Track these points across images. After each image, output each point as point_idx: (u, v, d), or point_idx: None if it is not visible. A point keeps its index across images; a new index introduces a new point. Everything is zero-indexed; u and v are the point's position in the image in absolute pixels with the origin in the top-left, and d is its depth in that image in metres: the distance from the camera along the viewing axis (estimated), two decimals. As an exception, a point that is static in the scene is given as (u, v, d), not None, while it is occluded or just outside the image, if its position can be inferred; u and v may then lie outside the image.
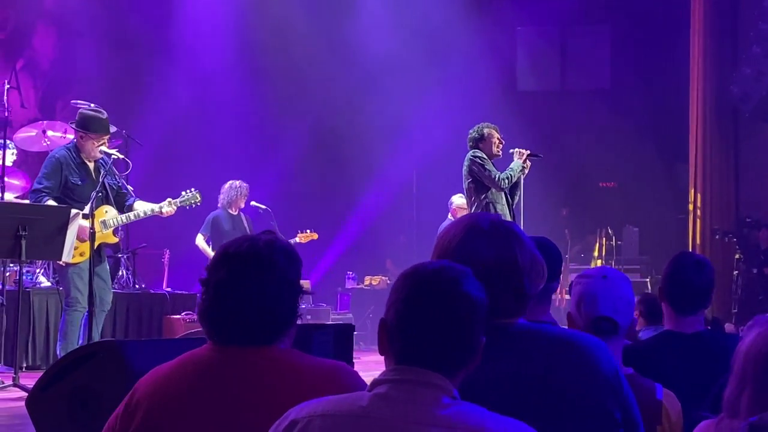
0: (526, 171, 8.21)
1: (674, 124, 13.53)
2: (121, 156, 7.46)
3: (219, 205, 10.21)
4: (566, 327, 3.97)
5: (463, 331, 1.82)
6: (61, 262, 7.18)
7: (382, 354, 1.88)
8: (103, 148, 7.32)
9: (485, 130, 8.22)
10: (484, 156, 8.06)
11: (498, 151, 8.23)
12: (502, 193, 8.07)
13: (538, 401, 2.03)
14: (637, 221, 13.72)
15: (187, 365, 2.27)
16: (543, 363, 2.08)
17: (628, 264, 12.84)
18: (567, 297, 11.33)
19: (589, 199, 14.52)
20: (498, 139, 8.22)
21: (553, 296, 5.28)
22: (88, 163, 7.39)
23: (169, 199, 7.64)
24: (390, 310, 1.85)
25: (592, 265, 12.50)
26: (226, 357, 2.22)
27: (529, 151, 8.20)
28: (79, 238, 7.13)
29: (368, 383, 2.26)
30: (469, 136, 8.24)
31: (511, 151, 8.26)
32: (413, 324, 1.81)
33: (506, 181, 8.00)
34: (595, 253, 13.31)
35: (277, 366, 2.20)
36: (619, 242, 13.29)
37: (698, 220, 12.73)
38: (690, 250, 12.02)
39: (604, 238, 13.21)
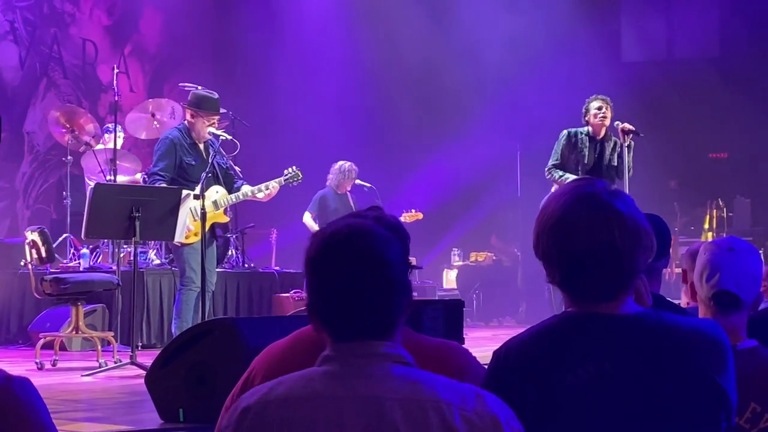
0: (632, 147, 8.11)
1: (788, 90, 13.12)
2: (229, 137, 7.58)
3: (327, 184, 10.31)
4: (679, 301, 3.89)
5: (388, 294, 1.77)
6: (176, 242, 7.33)
7: (318, 334, 1.83)
8: (212, 129, 7.47)
9: (585, 106, 8.23)
10: (571, 136, 8.10)
11: (600, 122, 8.12)
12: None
13: (637, 402, 1.91)
14: (749, 192, 13.35)
15: (301, 341, 2.28)
16: (643, 361, 1.94)
17: (741, 236, 12.46)
18: (677, 271, 11.11)
19: (698, 170, 14.17)
20: (595, 111, 8.11)
21: (663, 271, 5.18)
22: (199, 144, 7.55)
23: (259, 186, 7.69)
24: (311, 293, 1.80)
25: (702, 239, 12.23)
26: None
27: (631, 128, 8.07)
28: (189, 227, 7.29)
29: (479, 360, 2.25)
30: None
31: (615, 124, 8.17)
32: (337, 301, 1.77)
33: (549, 176, 8.12)
34: (706, 226, 13.00)
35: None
36: (730, 214, 12.97)
37: (814, 190, 12.34)
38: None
39: (714, 210, 12.90)
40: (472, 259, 13.60)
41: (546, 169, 8.19)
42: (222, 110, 7.75)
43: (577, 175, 7.96)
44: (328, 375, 1.75)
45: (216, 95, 7.61)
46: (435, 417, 1.69)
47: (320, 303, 1.79)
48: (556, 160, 8.12)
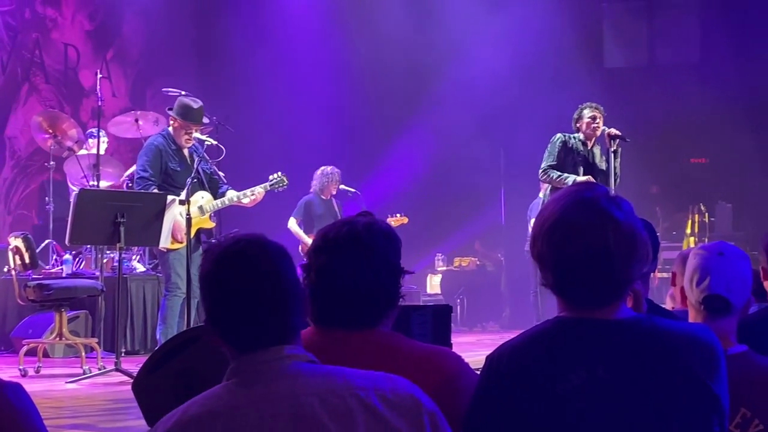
0: (618, 152, 8.13)
1: (768, 95, 13.19)
2: (214, 142, 7.56)
3: (311, 190, 10.30)
4: (666, 305, 3.91)
5: (282, 300, 1.81)
6: (162, 248, 7.30)
7: (220, 347, 1.84)
8: (197, 134, 7.44)
9: (578, 112, 8.24)
10: (566, 140, 8.07)
11: (592, 131, 8.15)
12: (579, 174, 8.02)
13: (630, 407, 1.92)
14: (731, 197, 13.41)
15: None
16: (636, 366, 1.95)
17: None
18: (659, 275, 11.15)
19: (680, 175, 14.23)
20: (589, 120, 8.14)
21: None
22: (183, 150, 7.53)
23: (244, 191, 7.68)
24: (209, 308, 1.83)
25: (684, 244, 12.29)
26: (330, 340, 2.22)
27: (618, 133, 8.09)
28: (174, 237, 7.24)
29: (470, 365, 2.25)
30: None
31: (602, 129, 8.18)
32: (234, 312, 1.80)
33: (545, 177, 8.06)
34: (688, 231, 13.05)
35: (380, 349, 2.20)
36: (712, 219, 13.02)
37: (795, 195, 12.40)
38: (787, 225, 11.69)
39: (696, 215, 12.95)
40: (456, 264, 13.61)
41: (541, 170, 8.10)
42: (205, 119, 7.69)
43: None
44: (240, 385, 1.77)
45: (198, 104, 7.51)
46: (355, 403, 1.73)
47: (218, 316, 1.82)
48: (552, 161, 8.05)
